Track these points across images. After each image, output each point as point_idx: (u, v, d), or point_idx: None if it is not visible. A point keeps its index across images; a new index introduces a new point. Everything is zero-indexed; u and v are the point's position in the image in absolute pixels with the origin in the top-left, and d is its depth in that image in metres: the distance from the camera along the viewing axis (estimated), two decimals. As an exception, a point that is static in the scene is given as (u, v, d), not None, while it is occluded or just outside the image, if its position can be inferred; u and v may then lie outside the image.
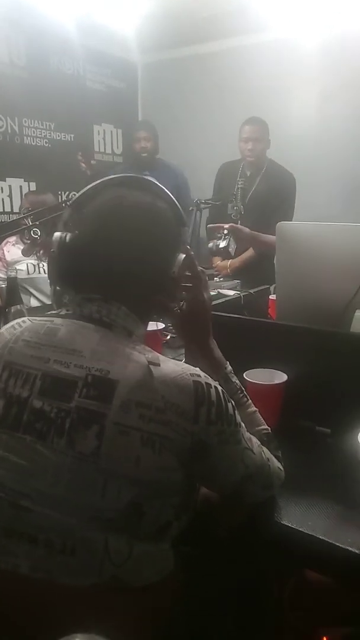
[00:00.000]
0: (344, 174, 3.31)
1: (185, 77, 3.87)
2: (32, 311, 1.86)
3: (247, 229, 2.32)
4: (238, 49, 3.58)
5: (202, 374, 0.81)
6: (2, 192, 3.33)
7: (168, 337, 1.69)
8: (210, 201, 2.39)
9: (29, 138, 3.44)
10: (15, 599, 0.74)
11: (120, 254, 0.84)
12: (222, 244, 2.21)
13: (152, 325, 1.40)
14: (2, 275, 2.41)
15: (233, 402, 0.84)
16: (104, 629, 0.54)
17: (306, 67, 3.37)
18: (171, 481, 0.78)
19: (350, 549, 0.81)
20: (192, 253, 0.93)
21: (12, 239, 2.56)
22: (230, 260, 2.60)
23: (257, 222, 2.40)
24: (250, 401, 1.00)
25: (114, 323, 0.83)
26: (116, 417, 0.75)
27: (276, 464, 0.91)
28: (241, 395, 0.99)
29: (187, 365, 0.82)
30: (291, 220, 2.45)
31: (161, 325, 1.55)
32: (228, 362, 1.01)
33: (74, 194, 0.96)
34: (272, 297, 1.75)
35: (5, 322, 1.01)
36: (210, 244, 2.30)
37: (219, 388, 0.81)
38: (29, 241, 1.98)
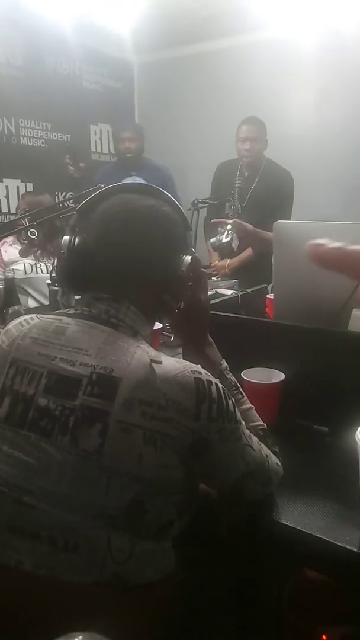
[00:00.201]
0: (343, 173, 3.30)
1: (181, 77, 3.87)
2: (30, 312, 1.85)
3: (250, 225, 2.33)
4: (235, 48, 3.57)
5: (203, 371, 0.81)
6: (-1, 193, 3.33)
7: (172, 338, 1.68)
8: (207, 200, 2.40)
9: (25, 138, 3.43)
10: (18, 596, 0.75)
11: (130, 255, 0.87)
12: (225, 239, 2.21)
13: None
14: (0, 276, 2.41)
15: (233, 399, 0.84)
16: (104, 627, 0.54)
17: (304, 67, 3.36)
18: (173, 479, 0.79)
19: (348, 547, 0.81)
20: (197, 255, 0.95)
21: (9, 239, 2.56)
22: (228, 260, 2.61)
23: (256, 221, 2.40)
24: (245, 398, 1.00)
25: (122, 323, 0.85)
26: (119, 415, 0.75)
27: (274, 460, 0.91)
28: (236, 391, 0.99)
29: (188, 362, 0.83)
30: (289, 220, 2.45)
31: (160, 326, 1.54)
32: (224, 359, 1.02)
33: (71, 195, 0.98)
34: (270, 296, 1.75)
35: (3, 323, 1.01)
36: (213, 239, 2.30)
37: (220, 385, 0.82)
38: (26, 242, 1.98)
